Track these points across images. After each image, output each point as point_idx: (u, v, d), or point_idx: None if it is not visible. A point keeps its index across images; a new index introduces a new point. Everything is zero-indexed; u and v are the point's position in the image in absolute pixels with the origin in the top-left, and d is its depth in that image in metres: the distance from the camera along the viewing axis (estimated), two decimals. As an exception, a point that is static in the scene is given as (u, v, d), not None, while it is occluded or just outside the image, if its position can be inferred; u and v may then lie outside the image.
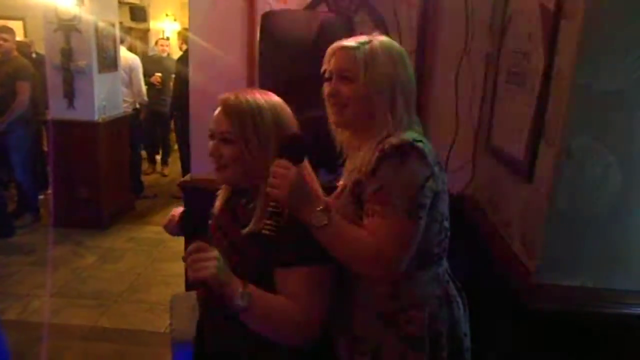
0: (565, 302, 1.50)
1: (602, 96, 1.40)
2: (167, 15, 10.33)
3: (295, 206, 1.18)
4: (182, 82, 5.23)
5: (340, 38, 1.36)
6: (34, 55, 5.70)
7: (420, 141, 1.23)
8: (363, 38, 1.31)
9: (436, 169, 1.24)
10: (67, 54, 4.32)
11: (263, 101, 1.27)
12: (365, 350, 1.30)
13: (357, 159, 1.29)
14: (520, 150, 1.76)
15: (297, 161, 1.20)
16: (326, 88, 1.34)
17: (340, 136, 1.41)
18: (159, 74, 6.00)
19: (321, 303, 1.22)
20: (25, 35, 7.38)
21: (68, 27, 4.30)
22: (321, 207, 1.17)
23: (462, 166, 2.28)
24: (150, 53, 7.05)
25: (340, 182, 1.40)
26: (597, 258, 1.50)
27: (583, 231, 1.49)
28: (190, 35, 2.41)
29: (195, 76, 2.42)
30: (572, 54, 1.43)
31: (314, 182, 1.28)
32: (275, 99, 1.31)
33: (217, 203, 1.42)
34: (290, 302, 1.19)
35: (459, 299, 1.37)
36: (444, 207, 1.30)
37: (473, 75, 2.23)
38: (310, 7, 2.28)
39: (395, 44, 1.34)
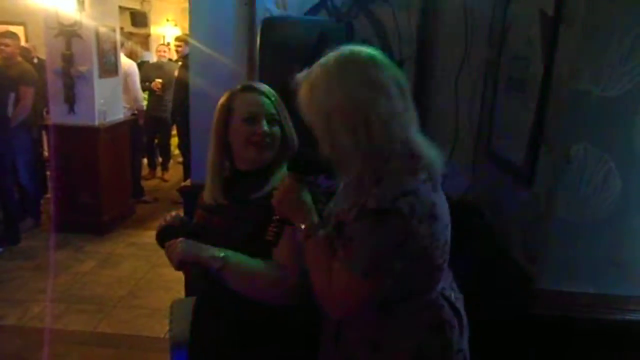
0: (566, 308, 1.50)
1: (601, 102, 1.41)
2: (167, 20, 10.38)
3: (283, 215, 1.24)
4: (184, 88, 5.25)
5: (340, 44, 1.36)
6: (35, 61, 5.71)
7: (409, 194, 1.10)
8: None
9: (423, 226, 1.10)
10: (68, 59, 4.33)
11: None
12: None
13: (342, 197, 1.26)
14: (520, 155, 1.77)
15: (301, 175, 1.25)
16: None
17: None
18: (159, 80, 6.01)
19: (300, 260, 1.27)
20: (27, 41, 7.39)
21: (69, 33, 4.31)
22: (304, 225, 1.20)
23: (462, 171, 2.28)
24: (146, 59, 7.03)
25: (334, 203, 1.33)
26: (597, 263, 1.50)
27: (583, 237, 1.49)
28: (190, 40, 2.42)
29: (195, 82, 2.43)
30: (572, 60, 1.44)
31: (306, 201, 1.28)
32: None
33: (212, 195, 1.49)
34: (267, 262, 1.32)
35: (453, 321, 1.25)
36: (436, 251, 1.17)
37: (473, 81, 2.23)
38: (310, 13, 2.29)
39: (350, 57, 1.15)
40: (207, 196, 1.49)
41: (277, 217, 1.25)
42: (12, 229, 4.37)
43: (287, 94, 1.62)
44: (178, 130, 6.07)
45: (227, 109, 1.45)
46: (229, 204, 1.45)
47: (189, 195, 2.57)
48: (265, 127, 1.41)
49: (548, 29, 1.60)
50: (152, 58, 7.52)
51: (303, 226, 1.21)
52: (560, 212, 1.50)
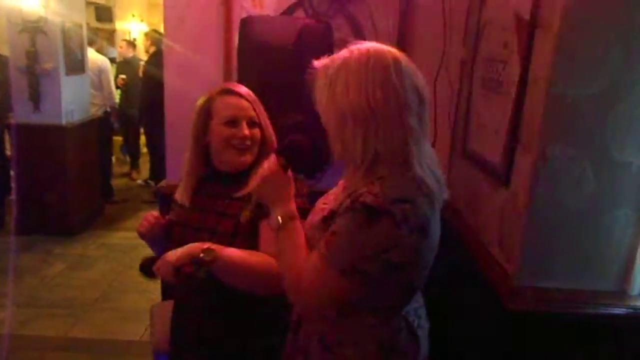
0: (543, 304, 1.54)
1: (576, 104, 1.45)
2: (133, 15, 10.14)
3: (262, 199, 1.22)
4: (152, 85, 5.15)
5: (321, 43, 1.36)
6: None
7: (407, 201, 1.06)
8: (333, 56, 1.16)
9: (412, 238, 1.06)
10: (33, 57, 4.20)
11: None
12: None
13: (339, 190, 1.25)
14: (497, 154, 1.81)
15: (288, 162, 1.21)
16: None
17: None
18: (123, 76, 5.88)
19: None
20: (-15, 36, 7.11)
21: (33, 29, 4.17)
22: (281, 214, 1.18)
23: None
24: (111, 55, 6.86)
25: (325, 197, 1.33)
26: (573, 260, 1.55)
27: (558, 234, 1.54)
28: (165, 39, 2.38)
29: (170, 81, 2.39)
30: (548, 63, 1.48)
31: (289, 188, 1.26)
32: None
33: (185, 194, 1.50)
34: (260, 253, 1.32)
35: (407, 347, 1.20)
36: (417, 271, 1.15)
37: (451, 81, 2.27)
38: (287, 12, 2.28)
39: (372, 57, 1.10)
40: (180, 196, 1.50)
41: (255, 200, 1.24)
42: None
43: (267, 94, 1.61)
44: (145, 129, 5.95)
45: (206, 111, 1.45)
46: (212, 200, 1.46)
47: (164, 197, 2.53)
48: (246, 131, 1.43)
49: (524, 32, 1.64)
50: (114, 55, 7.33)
51: (279, 215, 1.18)
52: (537, 210, 1.54)
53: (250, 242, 1.36)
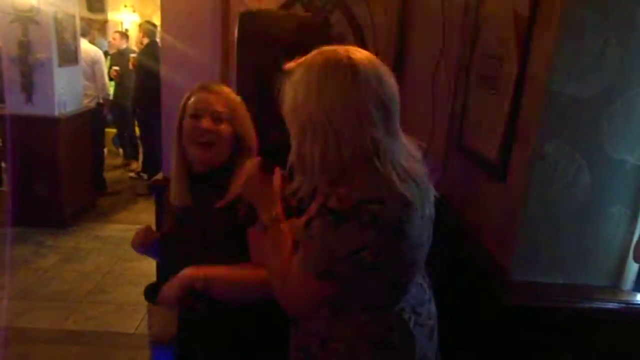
0: (538, 298, 1.57)
1: (573, 102, 1.47)
2: (125, 6, 10.05)
3: (248, 199, 1.23)
4: (144, 77, 5.13)
5: (319, 39, 1.36)
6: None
7: (375, 202, 1.04)
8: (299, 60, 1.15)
9: (382, 238, 1.05)
10: (25, 47, 4.16)
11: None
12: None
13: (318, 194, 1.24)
14: (493, 151, 1.82)
15: (273, 163, 1.22)
16: None
17: None
18: (117, 68, 5.84)
19: None
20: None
21: (25, 19, 4.13)
22: (265, 217, 1.20)
23: (434, 165, 2.33)
24: (102, 47, 6.81)
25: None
26: (568, 255, 1.57)
27: (555, 230, 1.56)
28: (162, 32, 2.37)
29: (167, 75, 2.39)
30: (546, 61, 1.49)
31: (272, 189, 1.26)
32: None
33: (179, 197, 1.48)
34: (249, 265, 1.32)
35: (401, 344, 1.20)
36: (398, 269, 1.14)
37: (449, 77, 2.28)
38: (285, 7, 2.28)
39: (331, 61, 1.08)
40: (172, 197, 1.49)
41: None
42: None
43: (265, 88, 1.62)
44: (137, 121, 5.92)
45: (182, 109, 1.45)
46: (196, 211, 1.44)
47: (161, 190, 2.53)
48: (206, 124, 1.39)
49: (522, 30, 1.65)
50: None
51: (263, 218, 1.20)
52: (533, 206, 1.56)
53: (237, 250, 1.36)
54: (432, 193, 1.19)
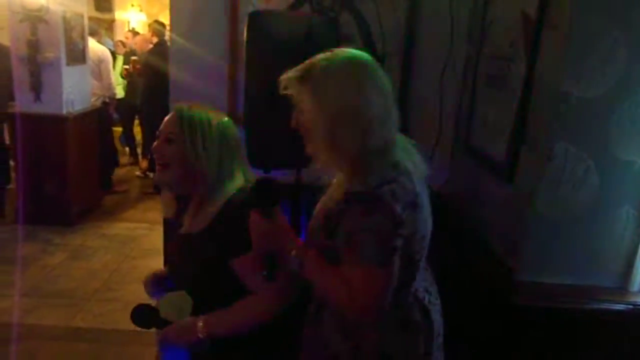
0: (545, 299, 1.57)
1: (581, 103, 1.48)
2: (132, 5, 10.09)
3: (280, 250, 1.23)
4: (152, 76, 5.15)
5: (328, 40, 1.37)
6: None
7: (390, 182, 1.13)
8: (306, 64, 1.19)
9: (406, 213, 1.13)
10: (34, 46, 4.18)
11: (214, 116, 1.40)
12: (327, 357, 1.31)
13: (333, 189, 1.29)
14: (501, 151, 1.83)
15: (271, 205, 1.23)
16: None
17: None
18: (127, 67, 5.87)
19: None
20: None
21: (35, 18, 4.15)
22: (294, 252, 1.22)
23: (441, 165, 2.34)
24: (108, 47, 6.83)
25: (322, 198, 1.34)
26: (575, 256, 1.58)
27: (562, 231, 1.57)
28: (171, 33, 2.39)
29: (176, 75, 2.40)
30: (555, 62, 1.50)
31: (285, 225, 1.29)
32: (224, 117, 1.44)
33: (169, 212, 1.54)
34: (244, 302, 1.34)
35: (421, 323, 1.27)
36: (416, 244, 1.21)
37: (457, 78, 2.28)
38: (293, 8, 2.29)
39: (354, 60, 1.19)
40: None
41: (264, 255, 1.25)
42: None
43: (274, 89, 1.63)
44: (144, 120, 5.91)
45: None
46: (178, 240, 1.49)
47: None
48: (155, 143, 1.39)
49: (530, 31, 1.65)
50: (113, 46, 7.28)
51: (294, 255, 1.21)
52: (540, 207, 1.57)
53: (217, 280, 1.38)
54: (426, 170, 1.26)
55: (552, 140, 1.51)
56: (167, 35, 4.73)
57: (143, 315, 1.42)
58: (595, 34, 1.44)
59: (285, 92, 1.20)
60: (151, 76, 5.22)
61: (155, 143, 1.38)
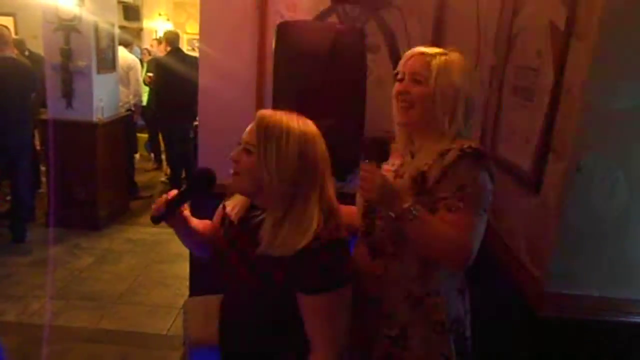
0: (573, 311, 1.55)
1: (610, 114, 1.46)
2: (159, 14, 10.31)
3: (386, 204, 1.35)
4: (164, 83, 5.28)
5: (354, 49, 1.41)
6: (26, 53, 5.65)
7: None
8: (440, 49, 1.47)
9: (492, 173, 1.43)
10: (67, 54, 4.31)
11: (296, 126, 1.24)
12: (393, 326, 1.44)
13: (421, 154, 1.44)
14: (527, 161, 1.82)
15: (379, 162, 1.36)
16: (397, 87, 1.46)
17: (399, 134, 1.54)
18: (151, 74, 5.99)
19: (343, 322, 1.29)
20: (16, 33, 7.30)
21: (68, 27, 4.29)
22: (409, 204, 1.31)
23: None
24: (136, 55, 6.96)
25: (388, 173, 1.47)
26: (603, 268, 1.56)
27: (591, 242, 1.55)
28: (200, 43, 2.45)
29: (205, 82, 2.45)
30: (583, 73, 1.49)
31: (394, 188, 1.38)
32: (310, 129, 1.27)
33: (233, 212, 1.40)
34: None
35: (467, 292, 1.51)
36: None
37: (484, 87, 2.28)
38: (320, 18, 2.32)
39: (467, 62, 1.51)
40: (229, 210, 1.42)
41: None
42: (19, 226, 4.35)
43: (301, 99, 1.65)
44: (161, 127, 5.99)
45: None
46: (238, 231, 1.37)
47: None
48: (233, 152, 1.30)
49: (558, 41, 1.65)
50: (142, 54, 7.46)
51: (410, 207, 1.31)
52: (569, 218, 1.55)
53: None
54: None
55: (580, 151, 1.50)
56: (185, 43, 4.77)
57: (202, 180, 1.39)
58: (625, 45, 1.43)
59: (401, 67, 1.47)
60: (162, 83, 5.34)
61: (234, 150, 1.30)
